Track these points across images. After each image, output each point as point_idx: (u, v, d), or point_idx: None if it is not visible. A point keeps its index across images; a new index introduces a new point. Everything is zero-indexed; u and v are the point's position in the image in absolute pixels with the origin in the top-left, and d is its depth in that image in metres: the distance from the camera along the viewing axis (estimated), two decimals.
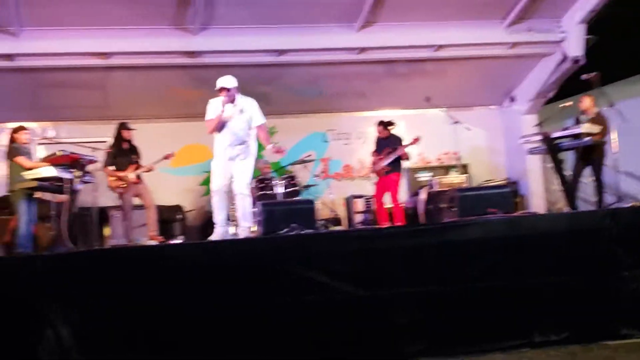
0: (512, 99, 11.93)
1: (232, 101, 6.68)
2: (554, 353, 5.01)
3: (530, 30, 10.41)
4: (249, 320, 5.02)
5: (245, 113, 6.76)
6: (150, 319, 4.88)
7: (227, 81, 6.68)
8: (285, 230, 6.11)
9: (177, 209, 9.85)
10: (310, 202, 7.15)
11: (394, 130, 9.70)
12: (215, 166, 6.76)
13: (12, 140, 7.34)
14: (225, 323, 4.98)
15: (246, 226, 6.63)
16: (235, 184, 6.68)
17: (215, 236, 6.51)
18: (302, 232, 5.92)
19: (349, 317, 5.18)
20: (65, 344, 4.67)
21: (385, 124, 9.67)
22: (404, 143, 9.34)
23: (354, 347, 5.09)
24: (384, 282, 5.32)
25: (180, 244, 6.12)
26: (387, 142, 9.48)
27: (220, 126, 6.66)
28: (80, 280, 4.87)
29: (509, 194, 7.39)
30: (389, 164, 9.29)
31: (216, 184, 6.70)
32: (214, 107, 6.72)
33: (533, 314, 5.36)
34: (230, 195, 6.77)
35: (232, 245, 5.66)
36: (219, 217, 6.63)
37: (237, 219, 6.79)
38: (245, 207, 6.68)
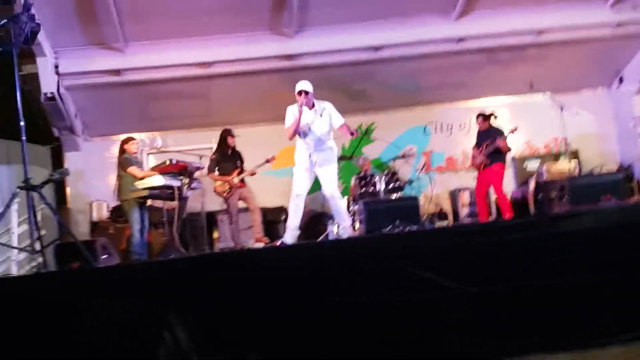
0: (621, 80, 11.42)
1: (311, 106, 6.72)
2: None
3: (635, 7, 9.92)
4: (355, 319, 5.02)
5: (324, 116, 6.80)
6: (257, 320, 4.96)
7: (306, 85, 6.73)
8: (388, 227, 6.06)
9: (281, 210, 9.98)
10: (414, 199, 7.10)
11: (495, 123, 9.45)
12: (297, 172, 6.83)
13: (123, 152, 7.64)
14: (333, 323, 5.00)
15: (347, 225, 6.67)
16: (325, 188, 6.74)
17: (288, 240, 6.61)
18: (407, 229, 5.86)
19: (458, 314, 5.09)
20: (183, 346, 4.81)
21: (484, 116, 9.44)
22: (503, 134, 9.09)
23: (463, 347, 5.00)
24: (492, 278, 5.19)
25: (287, 245, 6.17)
26: (487, 135, 9.23)
27: (300, 131, 6.73)
28: (194, 284, 5.01)
29: (621, 180, 7.07)
30: (489, 157, 9.05)
31: (298, 189, 6.77)
32: (292, 113, 6.78)
33: None
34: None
35: (336, 245, 5.67)
36: (293, 221, 6.69)
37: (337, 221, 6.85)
38: (339, 207, 6.73)
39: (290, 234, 6.59)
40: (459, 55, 10.37)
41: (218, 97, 10.28)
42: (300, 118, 6.69)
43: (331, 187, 6.73)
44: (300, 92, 6.70)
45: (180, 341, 4.81)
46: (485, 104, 11.11)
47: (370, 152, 11.30)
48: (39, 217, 5.58)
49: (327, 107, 6.89)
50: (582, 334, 5.03)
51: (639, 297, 5.10)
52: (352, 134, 6.99)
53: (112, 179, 8.19)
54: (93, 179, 10.18)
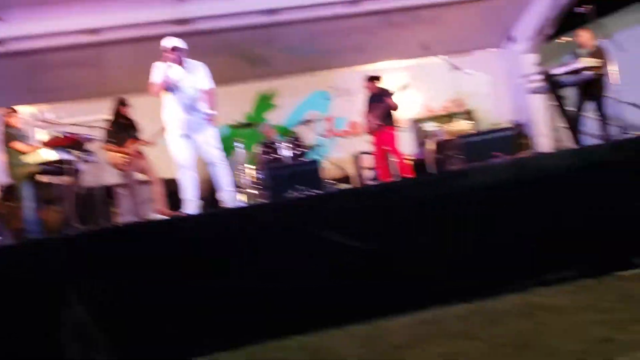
0: (511, 39, 11.77)
1: (181, 63, 6.52)
2: (567, 288, 5.00)
3: None
4: (262, 285, 5.03)
5: (196, 77, 6.57)
6: (163, 291, 4.90)
7: (177, 41, 6.49)
8: (292, 193, 6.06)
9: None
10: (314, 163, 7.11)
11: (381, 84, 9.55)
12: (173, 139, 6.52)
13: (6, 125, 7.28)
14: (240, 291, 4.99)
15: (232, 192, 6.55)
16: (204, 155, 6.56)
17: (189, 211, 6.36)
18: (309, 193, 5.87)
19: (364, 273, 5.19)
20: (84, 321, 4.70)
21: (373, 78, 9.55)
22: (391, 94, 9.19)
23: (371, 303, 5.10)
24: (395, 235, 5.31)
25: (189, 215, 6.06)
26: (377, 97, 9.34)
27: (169, 87, 6.44)
28: (92, 259, 4.89)
29: (513, 137, 7.32)
30: (381, 119, 9.17)
31: (181, 159, 6.50)
32: (159, 68, 6.47)
33: (544, 252, 5.35)
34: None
35: (240, 211, 5.63)
36: (190, 193, 6.45)
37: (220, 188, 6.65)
38: (220, 174, 6.56)
39: (191, 205, 6.42)
40: (355, 18, 10.41)
41: (110, 66, 9.97)
42: (169, 75, 6.41)
43: (209, 154, 6.53)
44: (172, 48, 6.44)
45: (79, 317, 4.71)
46: (383, 67, 11.24)
47: (273, 118, 11.27)
48: None
49: (200, 68, 6.65)
50: (480, 284, 5.24)
51: (532, 246, 5.35)
52: (209, 118, 6.61)
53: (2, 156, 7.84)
54: None
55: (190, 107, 6.46)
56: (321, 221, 5.23)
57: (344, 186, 9.53)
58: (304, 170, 7.00)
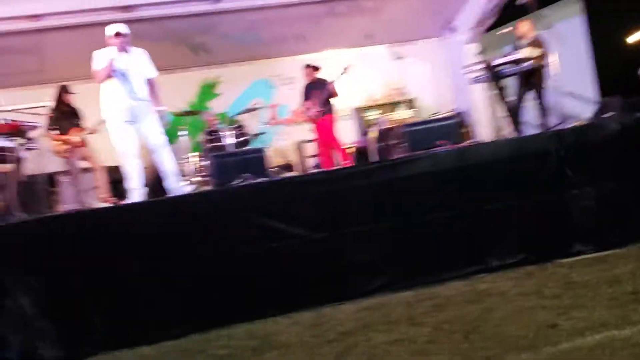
0: (453, 29, 11.94)
1: (125, 50, 6.43)
2: (511, 275, 5.15)
3: None
4: (209, 273, 5.04)
5: (140, 64, 6.48)
6: (110, 279, 4.86)
7: (122, 27, 6.37)
8: (237, 180, 6.05)
9: None
10: (260, 151, 7.11)
11: (320, 75, 9.61)
12: (117, 127, 6.39)
13: None
14: (184, 279, 4.99)
15: (177, 180, 6.50)
16: (149, 141, 6.48)
17: (134, 199, 6.25)
18: (254, 181, 5.88)
19: (309, 260, 5.24)
20: (27, 312, 4.63)
21: (313, 67, 9.61)
22: (331, 79, 9.24)
23: (316, 290, 5.16)
24: (339, 223, 5.37)
25: (133, 203, 6.00)
26: (316, 86, 9.39)
27: (115, 74, 6.32)
28: (34, 248, 4.81)
29: (455, 125, 7.45)
30: (323, 106, 9.23)
31: (126, 148, 6.38)
32: (103, 55, 6.35)
33: (488, 240, 5.51)
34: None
35: (186, 199, 5.61)
36: (135, 181, 6.35)
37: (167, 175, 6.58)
38: (167, 162, 6.49)
39: (136, 194, 6.33)
40: (298, 7, 10.40)
41: (52, 52, 9.71)
42: (112, 61, 6.29)
43: (153, 141, 6.45)
44: (116, 34, 6.32)
45: (24, 307, 4.64)
46: (326, 56, 11.26)
47: (217, 106, 11.20)
48: None
49: (142, 55, 6.56)
50: (425, 272, 5.34)
51: (476, 233, 5.48)
52: (157, 109, 6.56)
53: None
54: None
55: (134, 94, 6.36)
56: (266, 209, 5.26)
57: (287, 174, 9.54)
58: (249, 158, 6.98)
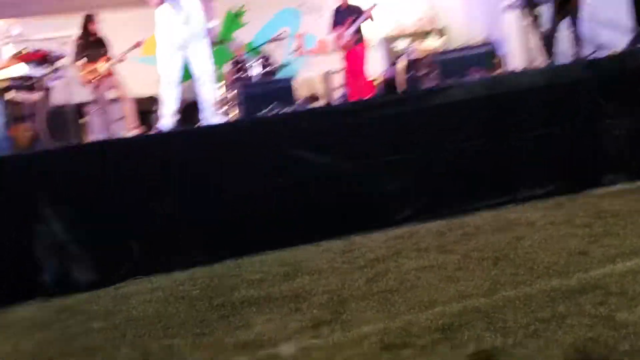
0: None
1: None
2: (541, 205, 5.12)
3: None
4: (238, 202, 5.07)
5: None
6: (143, 206, 4.91)
7: None
8: (265, 110, 6.01)
9: (154, 99, 9.64)
10: (287, 81, 7.06)
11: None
12: (164, 52, 6.21)
13: None
14: (216, 207, 5.03)
15: (214, 110, 6.42)
16: (196, 69, 6.29)
17: (165, 127, 6.14)
18: (282, 111, 5.84)
19: (338, 190, 5.25)
20: (60, 238, 4.71)
21: None
22: (365, 8, 8.99)
23: (345, 220, 5.18)
24: (368, 152, 5.35)
25: (164, 132, 5.97)
26: (347, 12, 9.14)
27: (163, 2, 6.09)
28: (66, 176, 4.86)
29: (487, 54, 7.32)
30: (356, 33, 9.01)
31: (168, 74, 6.22)
32: None
33: (518, 170, 5.46)
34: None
35: (215, 129, 5.60)
36: (170, 107, 6.21)
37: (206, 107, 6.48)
38: (208, 92, 6.33)
39: (168, 121, 6.26)
40: None
41: None
42: None
43: (200, 69, 6.27)
44: None
45: (57, 233, 4.72)
46: None
47: (243, 36, 11.08)
48: None
49: None
50: (455, 201, 5.33)
51: (506, 164, 5.44)
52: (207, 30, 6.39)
53: None
54: None
55: (186, 18, 6.22)
56: (295, 139, 5.24)
57: (315, 105, 9.48)
58: (277, 88, 6.95)
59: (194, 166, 5.03)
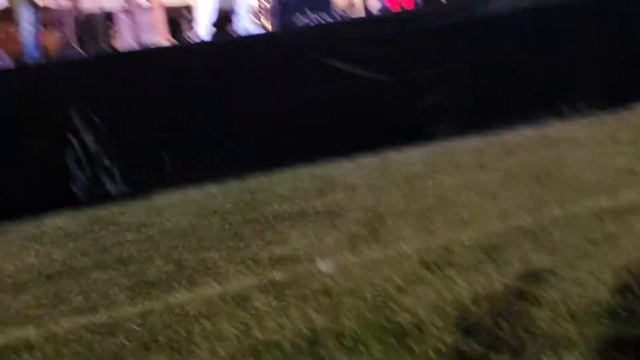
0: None
1: None
2: (583, 122, 4.93)
3: None
4: (272, 115, 4.95)
5: None
6: (175, 118, 4.82)
7: None
8: (301, 20, 5.76)
9: (186, 8, 9.38)
10: None
11: None
12: None
13: None
14: (249, 120, 4.92)
15: (248, 19, 6.12)
16: None
17: (199, 36, 5.78)
18: (319, 21, 5.60)
19: (374, 103, 5.09)
20: (91, 150, 4.66)
21: None
22: None
23: (381, 134, 5.04)
24: (407, 65, 5.17)
25: (196, 42, 5.75)
26: None
27: None
28: (96, 86, 4.77)
29: None
30: None
31: None
32: None
33: (561, 86, 5.26)
34: None
35: (250, 40, 5.38)
36: (206, 16, 5.85)
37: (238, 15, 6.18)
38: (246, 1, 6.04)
39: (204, 30, 5.99)
40: None
41: None
42: None
43: None
44: None
45: (88, 145, 4.66)
46: None
47: None
48: None
49: None
50: (494, 117, 5.16)
51: (549, 79, 5.23)
52: None
53: None
54: None
55: None
56: (331, 50, 5.07)
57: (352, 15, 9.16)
58: None
59: (228, 77, 4.90)
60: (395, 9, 8.63)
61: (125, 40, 7.93)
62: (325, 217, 3.50)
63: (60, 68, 4.94)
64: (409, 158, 4.68)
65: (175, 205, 4.23)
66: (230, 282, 2.69)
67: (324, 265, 2.70)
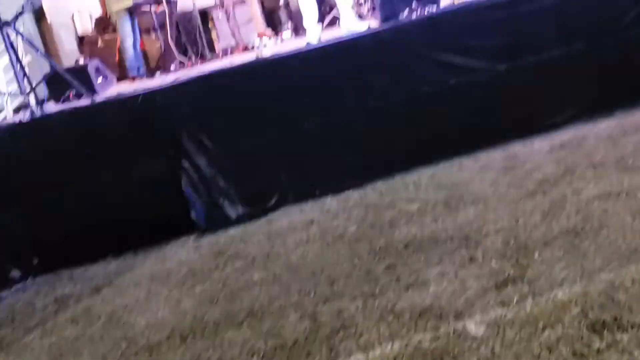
0: None
1: None
2: None
3: None
4: (386, 117, 4.74)
5: None
6: (286, 132, 4.68)
7: None
8: (405, 12, 5.37)
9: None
10: None
11: None
12: None
13: None
14: (363, 124, 4.72)
15: (352, 18, 5.78)
16: None
17: (312, 40, 5.47)
18: (424, 12, 5.21)
19: (493, 94, 4.78)
20: (205, 173, 4.58)
21: None
22: None
23: (502, 126, 4.74)
24: (524, 50, 4.81)
25: (304, 50, 5.37)
26: None
27: None
28: (203, 104, 4.67)
29: None
30: None
31: None
32: None
33: None
34: None
35: (356, 40, 5.09)
36: (309, 17, 5.52)
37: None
38: None
39: (312, 32, 5.52)
40: None
41: None
42: None
43: None
44: None
45: (201, 168, 4.58)
46: None
47: None
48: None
49: None
50: (624, 98, 4.75)
51: None
52: None
53: None
54: None
55: None
56: (442, 43, 4.78)
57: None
58: None
59: (337, 83, 4.69)
60: None
61: (223, 38, 7.86)
62: (461, 245, 3.25)
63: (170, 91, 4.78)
64: (536, 153, 4.36)
65: (296, 230, 4.07)
66: (374, 349, 2.49)
67: (474, 326, 2.47)
